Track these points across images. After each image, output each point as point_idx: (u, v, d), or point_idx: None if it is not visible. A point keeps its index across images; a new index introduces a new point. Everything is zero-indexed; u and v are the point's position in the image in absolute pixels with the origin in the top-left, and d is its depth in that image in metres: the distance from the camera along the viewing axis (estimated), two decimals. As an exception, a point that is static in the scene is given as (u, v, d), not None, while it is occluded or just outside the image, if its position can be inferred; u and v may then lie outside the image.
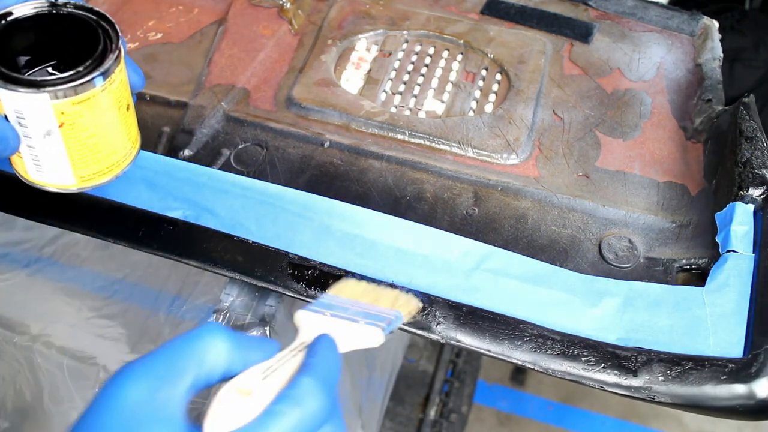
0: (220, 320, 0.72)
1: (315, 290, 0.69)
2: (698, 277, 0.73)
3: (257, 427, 0.42)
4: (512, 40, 0.98)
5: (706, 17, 1.03)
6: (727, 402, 0.62)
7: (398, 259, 0.71)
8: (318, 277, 0.70)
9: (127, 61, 0.61)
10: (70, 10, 0.59)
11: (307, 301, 0.69)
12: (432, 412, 1.54)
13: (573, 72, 0.96)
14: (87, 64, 0.56)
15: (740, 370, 0.63)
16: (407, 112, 0.90)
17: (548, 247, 0.77)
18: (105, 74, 0.57)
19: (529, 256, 0.72)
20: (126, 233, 0.73)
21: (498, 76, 0.94)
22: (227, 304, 0.73)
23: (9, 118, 0.56)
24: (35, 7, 0.59)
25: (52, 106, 0.55)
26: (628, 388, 0.64)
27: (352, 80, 0.93)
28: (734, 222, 0.71)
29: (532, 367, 0.66)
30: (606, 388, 0.64)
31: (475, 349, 0.67)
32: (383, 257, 0.71)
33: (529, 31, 1.00)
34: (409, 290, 0.68)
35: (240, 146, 0.85)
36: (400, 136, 0.86)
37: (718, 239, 0.72)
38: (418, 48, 0.98)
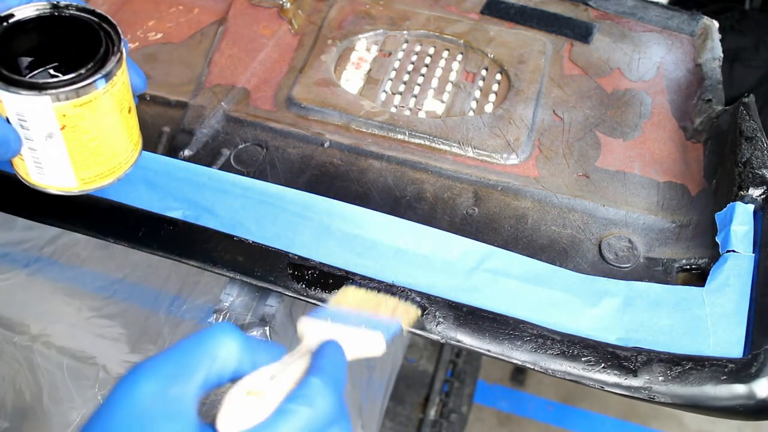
0: (220, 320, 0.72)
1: (315, 290, 0.69)
2: (698, 277, 0.73)
3: (270, 425, 0.42)
4: (512, 40, 0.98)
5: (706, 17, 1.03)
6: (727, 402, 0.62)
7: (398, 259, 0.71)
8: (318, 277, 0.70)
9: (129, 63, 0.61)
10: (72, 12, 0.59)
11: (308, 301, 0.69)
12: (432, 412, 1.54)
13: (573, 72, 0.96)
14: (89, 66, 0.56)
15: (740, 370, 0.63)
16: (407, 112, 0.90)
17: (548, 247, 0.77)
18: (107, 77, 0.57)
19: (529, 256, 0.72)
20: (126, 233, 0.73)
21: (498, 76, 0.94)
22: (227, 304, 0.73)
23: (11, 121, 0.56)
24: (37, 9, 0.59)
25: (54, 109, 0.55)
26: (628, 388, 0.64)
27: (352, 80, 0.93)
28: (734, 222, 0.71)
29: (532, 367, 0.66)
30: (606, 388, 0.64)
31: (475, 349, 0.67)
32: (383, 257, 0.71)
33: (529, 31, 1.00)
34: (409, 290, 0.69)
35: (240, 146, 0.85)
36: (400, 136, 0.86)
37: (718, 239, 0.72)
38: (418, 48, 0.98)
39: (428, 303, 0.68)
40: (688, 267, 0.74)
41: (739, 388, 0.62)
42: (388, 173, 0.82)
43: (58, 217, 0.74)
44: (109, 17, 0.59)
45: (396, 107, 0.90)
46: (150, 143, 0.84)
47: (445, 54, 0.97)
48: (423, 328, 0.67)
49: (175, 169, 0.76)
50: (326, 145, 0.84)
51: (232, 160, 0.83)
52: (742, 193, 0.74)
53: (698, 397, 0.63)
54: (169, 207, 0.74)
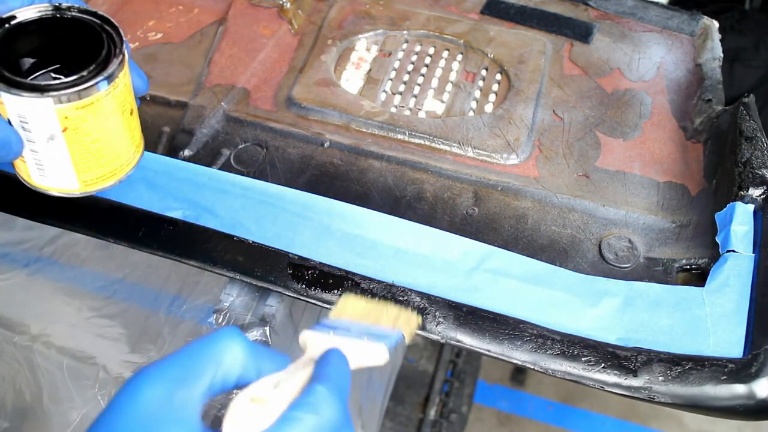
0: (220, 320, 0.72)
1: (315, 290, 0.69)
2: (698, 277, 0.73)
3: None
4: (512, 40, 0.98)
5: (706, 17, 1.03)
6: (727, 402, 0.62)
7: (398, 259, 0.71)
8: (318, 277, 0.70)
9: (131, 65, 0.61)
10: (74, 14, 0.59)
11: (307, 302, 0.69)
12: (432, 412, 1.54)
13: (573, 72, 0.96)
14: (91, 68, 0.56)
15: (740, 370, 0.63)
16: (407, 112, 0.90)
17: (548, 247, 0.77)
18: (109, 79, 0.56)
19: (529, 256, 0.72)
20: (126, 233, 0.73)
21: (498, 76, 0.94)
22: (227, 304, 0.73)
23: (12, 123, 0.56)
24: (39, 11, 0.59)
25: (56, 111, 0.55)
26: (628, 388, 0.64)
27: (352, 80, 0.93)
28: (734, 222, 0.71)
29: (532, 367, 0.66)
30: (606, 388, 0.64)
31: (475, 349, 0.67)
32: (383, 257, 0.71)
33: (529, 31, 1.00)
34: (409, 290, 0.69)
35: (240, 146, 0.85)
36: (400, 136, 0.86)
37: (718, 239, 0.72)
38: (418, 48, 0.98)
39: (428, 303, 0.68)
40: (688, 267, 0.74)
41: (739, 388, 0.62)
42: (388, 173, 0.82)
43: (58, 218, 0.74)
44: (111, 19, 0.59)
45: (396, 107, 0.90)
46: (150, 143, 0.84)
47: (445, 54, 0.97)
48: (423, 328, 0.67)
49: (175, 169, 0.76)
50: (326, 145, 0.84)
51: (232, 160, 0.83)
52: (742, 193, 0.74)
53: (698, 397, 0.63)
54: (169, 207, 0.74)
